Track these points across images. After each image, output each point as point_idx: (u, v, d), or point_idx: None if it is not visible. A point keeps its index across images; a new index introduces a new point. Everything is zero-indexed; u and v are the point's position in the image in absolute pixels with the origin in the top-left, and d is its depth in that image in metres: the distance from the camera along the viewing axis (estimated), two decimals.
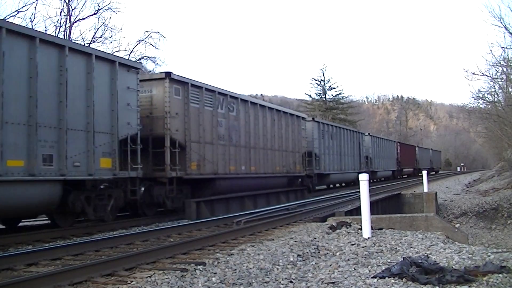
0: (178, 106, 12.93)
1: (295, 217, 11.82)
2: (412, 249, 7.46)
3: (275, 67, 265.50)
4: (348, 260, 6.70)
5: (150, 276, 5.48)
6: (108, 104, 10.83)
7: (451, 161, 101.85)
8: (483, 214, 18.92)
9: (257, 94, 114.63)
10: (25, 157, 8.73)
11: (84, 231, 10.08)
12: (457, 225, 16.47)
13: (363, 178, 8.73)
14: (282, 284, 5.53)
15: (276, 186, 18.44)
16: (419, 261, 5.83)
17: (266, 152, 18.02)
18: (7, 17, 23.17)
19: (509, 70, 26.29)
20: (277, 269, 6.26)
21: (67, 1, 26.73)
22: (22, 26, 11.06)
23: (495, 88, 29.62)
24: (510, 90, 28.02)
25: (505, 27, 23.67)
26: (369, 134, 36.45)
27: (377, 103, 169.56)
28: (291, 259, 6.80)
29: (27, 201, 8.98)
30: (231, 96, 15.68)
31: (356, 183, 29.55)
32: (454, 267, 5.84)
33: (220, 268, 6.03)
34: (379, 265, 6.26)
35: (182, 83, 13.22)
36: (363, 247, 7.54)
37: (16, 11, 26.04)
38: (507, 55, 25.55)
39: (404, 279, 5.32)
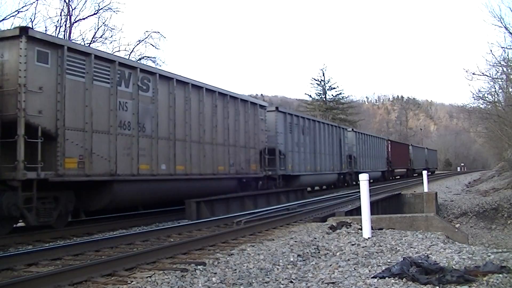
0: (44, 77, 9.43)
1: (295, 217, 11.82)
2: (412, 249, 7.46)
3: (275, 67, 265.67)
4: (348, 260, 6.70)
5: (150, 276, 5.48)
6: None
7: (451, 161, 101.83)
8: (483, 214, 18.91)
9: (257, 94, 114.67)
10: None
11: (84, 231, 10.07)
12: (457, 225, 16.47)
13: (363, 178, 8.74)
14: (282, 284, 5.53)
15: (221, 190, 14.57)
16: (419, 261, 5.83)
17: (203, 147, 14.13)
18: (7, 17, 23.21)
19: (509, 70, 26.30)
20: (277, 269, 6.26)
21: (67, 1, 26.71)
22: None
23: (495, 88, 29.65)
24: (510, 90, 28.03)
25: (505, 27, 23.69)
26: (352, 129, 32.13)
27: (377, 103, 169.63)
28: (291, 259, 6.80)
29: None
30: (143, 70, 12.19)
31: (337, 185, 25.70)
32: (454, 267, 5.84)
33: (220, 268, 6.03)
34: (379, 265, 6.26)
35: (53, 45, 9.68)
36: (363, 247, 7.54)
37: (16, 11, 26.00)
38: (507, 55, 25.57)
39: (404, 279, 5.32)
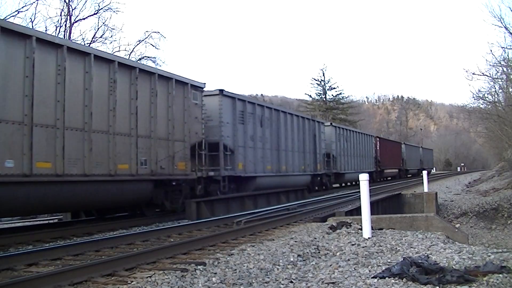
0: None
1: (295, 217, 11.81)
2: (412, 249, 7.46)
3: (275, 67, 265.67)
4: (348, 260, 6.70)
5: (150, 276, 5.48)
6: None
7: (451, 161, 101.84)
8: (483, 214, 18.91)
9: (257, 94, 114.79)
10: None
11: (84, 231, 10.07)
12: (457, 225, 16.47)
13: (363, 178, 8.74)
14: (283, 284, 5.53)
15: (124, 199, 11.63)
16: (419, 261, 5.83)
17: (89, 137, 10.26)
18: (7, 17, 23.18)
19: (509, 70, 26.30)
20: (277, 269, 6.26)
21: (67, 1, 26.74)
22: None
23: (495, 88, 29.68)
24: (510, 90, 28.03)
25: (505, 27, 23.74)
26: (331, 124, 27.82)
27: (377, 103, 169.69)
28: (292, 259, 6.80)
29: None
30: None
31: (312, 189, 23.77)
32: (454, 267, 5.84)
33: (220, 268, 6.03)
34: (379, 265, 6.26)
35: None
36: (363, 247, 7.53)
37: (16, 11, 26.06)
38: (507, 55, 25.61)
39: (404, 279, 5.32)
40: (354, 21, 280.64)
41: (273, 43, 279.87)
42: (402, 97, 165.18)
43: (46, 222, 13.49)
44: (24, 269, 6.20)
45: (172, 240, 8.89)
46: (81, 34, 41.01)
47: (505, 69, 26.40)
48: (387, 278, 5.42)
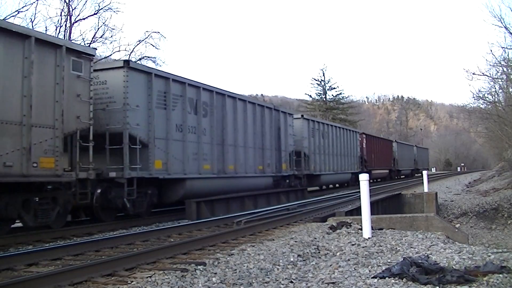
0: None
1: (295, 217, 11.82)
2: (412, 249, 7.46)
3: (275, 67, 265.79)
4: (349, 260, 6.70)
5: (150, 276, 5.48)
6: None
7: (452, 161, 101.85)
8: (484, 214, 18.92)
9: (257, 94, 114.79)
10: None
11: (85, 231, 10.07)
12: (457, 225, 16.48)
13: (363, 178, 8.74)
14: (283, 284, 5.53)
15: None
16: (420, 261, 5.83)
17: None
18: (7, 17, 23.19)
19: (509, 70, 26.30)
20: (278, 269, 6.26)
21: (67, 1, 26.73)
22: None
23: (495, 88, 29.66)
24: (510, 90, 28.03)
25: (505, 27, 23.73)
26: (302, 116, 23.14)
27: (377, 103, 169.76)
28: (292, 259, 6.80)
29: None
30: None
31: (278, 194, 18.49)
32: (454, 267, 5.84)
33: (220, 268, 6.03)
34: (380, 265, 6.26)
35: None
36: (363, 247, 7.53)
37: (16, 11, 26.03)
38: (508, 55, 25.60)
39: (404, 279, 5.32)
40: (354, 21, 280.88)
41: (273, 43, 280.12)
42: (402, 97, 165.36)
43: None
44: (24, 269, 6.20)
45: (172, 240, 8.89)
46: (81, 34, 40.95)
47: (505, 69, 26.40)
48: (387, 278, 5.42)
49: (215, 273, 5.77)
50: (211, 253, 7.13)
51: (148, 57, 30.34)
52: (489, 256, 6.53)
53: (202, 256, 6.89)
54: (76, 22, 27.40)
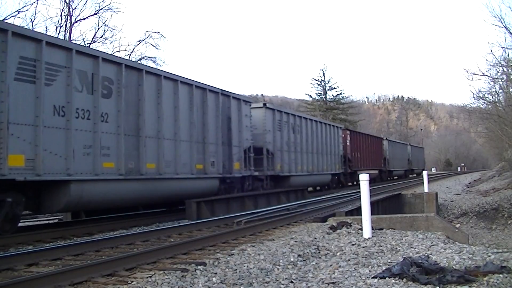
0: None
1: (295, 217, 11.81)
2: (412, 249, 7.46)
3: (276, 67, 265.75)
4: (349, 260, 6.70)
5: (150, 276, 5.48)
6: None
7: (452, 161, 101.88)
8: (484, 214, 18.93)
9: (257, 94, 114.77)
10: None
11: (85, 231, 10.07)
12: (457, 225, 16.48)
13: (364, 178, 8.73)
14: (283, 284, 5.53)
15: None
16: (420, 261, 5.83)
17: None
18: (7, 17, 23.20)
19: (509, 70, 26.32)
20: (278, 269, 6.26)
21: (67, 1, 26.76)
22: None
23: (495, 88, 29.69)
24: (510, 90, 28.06)
25: (505, 27, 23.77)
26: (265, 105, 19.18)
27: (377, 103, 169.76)
28: (292, 259, 6.80)
29: None
30: None
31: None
32: (454, 267, 5.84)
33: (220, 268, 6.03)
34: (380, 265, 6.26)
35: None
36: (363, 247, 7.53)
37: (16, 11, 26.09)
38: (508, 55, 25.64)
39: (404, 279, 5.32)
40: (354, 22, 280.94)
41: (273, 43, 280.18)
42: (402, 97, 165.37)
43: (47, 222, 13.50)
44: (24, 269, 6.20)
45: (172, 240, 8.89)
46: (81, 34, 41.06)
47: (505, 69, 26.43)
48: (387, 278, 5.42)
49: (215, 273, 5.77)
50: (211, 253, 7.13)
51: (148, 57, 30.41)
52: (489, 256, 6.53)
53: (202, 256, 6.89)
54: (76, 22, 27.46)
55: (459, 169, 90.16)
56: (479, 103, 31.96)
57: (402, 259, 6.15)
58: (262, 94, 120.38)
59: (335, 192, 22.58)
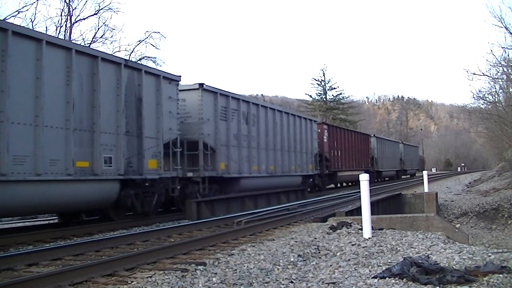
0: None
1: (295, 217, 11.81)
2: (412, 249, 7.45)
3: (276, 67, 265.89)
4: (349, 260, 6.70)
5: (150, 276, 5.48)
6: None
7: (452, 161, 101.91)
8: (484, 214, 18.93)
9: (257, 94, 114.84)
10: None
11: (85, 231, 10.07)
12: (457, 225, 16.48)
13: (364, 178, 8.73)
14: (283, 284, 5.53)
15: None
16: (420, 261, 5.83)
17: None
18: (7, 17, 23.19)
19: (509, 70, 26.35)
20: (278, 269, 6.26)
21: (67, 1, 26.75)
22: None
23: (495, 88, 29.73)
24: (510, 90, 28.10)
25: (505, 27, 23.80)
26: (201, 86, 14.44)
27: (377, 103, 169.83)
28: (292, 259, 6.80)
29: None
30: None
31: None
32: (454, 267, 5.84)
33: (220, 268, 6.03)
34: (380, 265, 6.26)
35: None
36: (363, 247, 7.53)
37: (16, 11, 26.06)
38: (508, 55, 25.68)
39: (404, 279, 5.32)
40: (354, 22, 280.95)
41: (273, 43, 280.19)
42: (402, 97, 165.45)
43: (47, 222, 13.50)
44: (25, 269, 6.21)
45: (172, 240, 8.89)
46: (81, 34, 41.05)
47: (505, 69, 26.46)
48: (387, 278, 5.42)
49: (216, 273, 5.77)
50: (211, 253, 7.14)
51: (148, 57, 30.38)
52: (490, 256, 6.53)
53: (203, 256, 6.90)
54: (76, 22, 27.45)
55: (459, 169, 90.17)
56: (479, 103, 32.02)
57: (402, 259, 6.14)
58: (262, 94, 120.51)
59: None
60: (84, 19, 27.77)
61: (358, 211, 10.85)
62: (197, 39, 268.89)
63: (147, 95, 12.11)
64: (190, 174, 13.80)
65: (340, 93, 64.00)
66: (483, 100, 30.95)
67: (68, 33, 26.57)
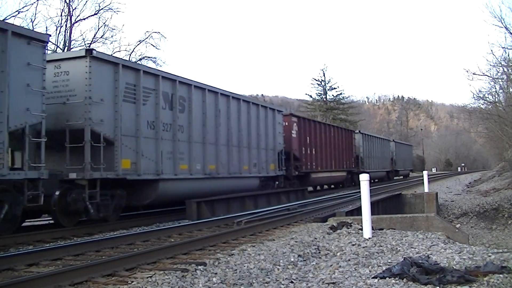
0: None
1: (295, 217, 11.82)
2: (412, 249, 7.45)
3: (276, 67, 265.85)
4: (349, 260, 6.70)
5: (150, 276, 5.48)
6: None
7: (452, 161, 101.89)
8: (484, 215, 18.93)
9: (257, 94, 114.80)
10: None
11: (85, 232, 10.07)
12: (457, 225, 16.48)
13: (364, 178, 8.73)
14: (283, 284, 5.53)
15: None
16: (420, 261, 5.83)
17: None
18: (7, 17, 23.21)
19: (509, 70, 26.35)
20: (278, 269, 6.26)
21: (67, 2, 26.76)
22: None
23: (495, 88, 29.72)
24: (510, 90, 28.09)
25: (505, 28, 23.80)
26: (90, 53, 10.36)
27: (377, 104, 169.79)
28: (292, 259, 6.80)
29: None
30: None
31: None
32: (454, 267, 5.84)
33: (220, 268, 6.03)
34: (380, 265, 6.26)
35: None
36: (363, 247, 7.53)
37: (16, 11, 26.04)
38: (508, 55, 25.67)
39: (404, 279, 5.32)
40: (354, 22, 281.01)
41: (273, 43, 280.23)
42: (402, 97, 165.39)
43: (47, 222, 13.49)
44: (25, 269, 6.21)
45: (172, 240, 8.89)
46: (81, 34, 41.10)
47: (505, 69, 26.46)
48: (387, 278, 5.42)
49: (216, 273, 5.77)
50: (211, 253, 7.14)
51: (149, 57, 30.36)
52: (490, 256, 6.53)
53: (203, 256, 6.90)
54: (76, 22, 27.47)
55: (459, 169, 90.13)
56: (479, 103, 32.01)
57: (402, 259, 6.14)
58: (262, 94, 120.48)
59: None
60: (84, 19, 27.81)
61: (358, 211, 10.85)
62: (198, 39, 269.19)
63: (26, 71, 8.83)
64: (73, 175, 10.09)
65: (340, 93, 63.97)
66: (483, 100, 30.98)
67: (68, 34, 26.60)
